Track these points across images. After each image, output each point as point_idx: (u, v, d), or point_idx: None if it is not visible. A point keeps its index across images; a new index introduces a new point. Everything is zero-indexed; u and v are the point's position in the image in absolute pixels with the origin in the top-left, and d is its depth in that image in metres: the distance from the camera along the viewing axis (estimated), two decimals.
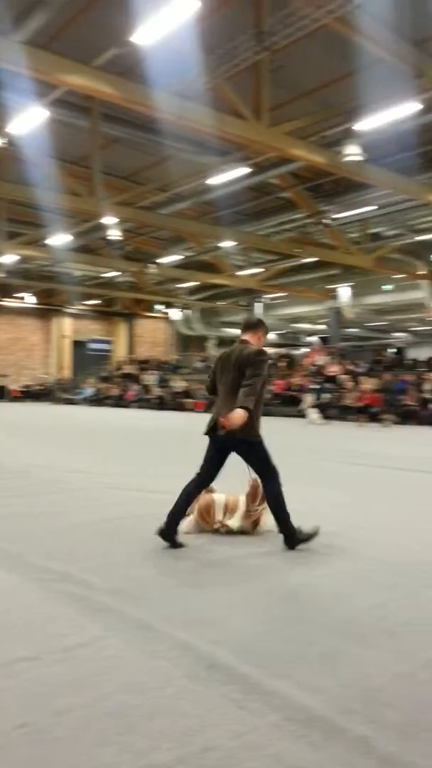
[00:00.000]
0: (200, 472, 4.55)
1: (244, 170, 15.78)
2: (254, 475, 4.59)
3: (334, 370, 22.95)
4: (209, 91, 12.57)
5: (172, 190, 19.37)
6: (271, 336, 37.15)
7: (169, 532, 4.38)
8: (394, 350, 28.35)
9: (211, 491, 4.84)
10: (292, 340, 37.95)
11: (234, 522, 4.80)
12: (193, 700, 2.34)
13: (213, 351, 37.81)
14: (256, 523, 4.84)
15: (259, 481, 4.60)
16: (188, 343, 40.62)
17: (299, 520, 4.45)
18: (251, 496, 4.75)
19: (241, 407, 4.14)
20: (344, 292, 28.14)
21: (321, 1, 10.42)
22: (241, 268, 27.06)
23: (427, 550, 4.47)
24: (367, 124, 12.71)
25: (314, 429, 17.38)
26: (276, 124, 13.06)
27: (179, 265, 26.98)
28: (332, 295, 29.05)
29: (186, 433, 15.80)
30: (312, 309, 32.87)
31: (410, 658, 2.73)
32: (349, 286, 27.91)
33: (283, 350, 31.13)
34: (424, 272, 26.01)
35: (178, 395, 28.02)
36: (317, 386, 21.06)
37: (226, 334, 38.30)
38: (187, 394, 27.78)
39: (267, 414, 19.37)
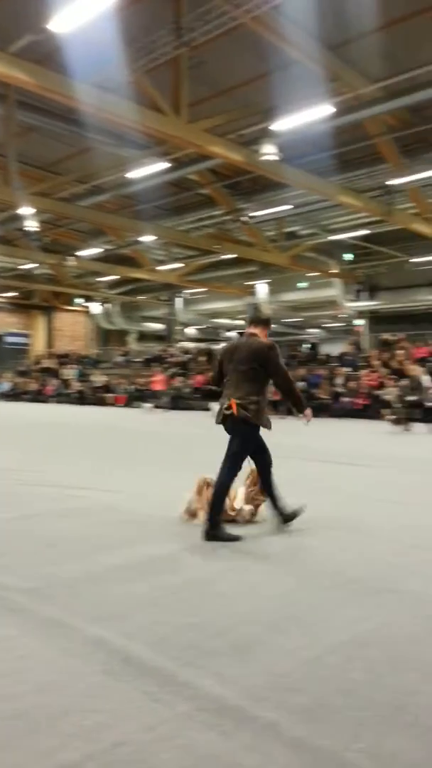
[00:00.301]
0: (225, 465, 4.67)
1: (164, 165, 15.73)
2: (254, 466, 4.85)
3: None
4: (129, 84, 12.46)
5: (92, 182, 19.06)
6: (191, 331, 37.30)
7: (215, 533, 4.46)
8: (309, 346, 29.11)
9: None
10: (212, 335, 38.22)
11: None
12: (105, 696, 2.35)
13: (134, 345, 37.55)
14: (255, 511, 5.08)
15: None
16: (109, 337, 40.11)
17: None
18: (256, 487, 5.04)
19: (302, 406, 4.81)
20: (261, 288, 28.62)
21: (239, 0, 10.53)
22: (161, 262, 26.99)
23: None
24: (283, 124, 12.96)
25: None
26: (195, 121, 13.08)
27: (99, 259, 26.59)
28: (250, 291, 29.48)
29: (107, 428, 15.65)
30: (231, 305, 33.22)
31: (318, 643, 2.83)
32: (266, 282, 28.41)
33: (203, 345, 31.30)
34: (337, 271, 26.86)
35: (98, 390, 27.67)
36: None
37: (146, 328, 38.10)
38: (107, 388, 27.48)
39: (187, 408, 19.60)
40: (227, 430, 4.71)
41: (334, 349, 27.26)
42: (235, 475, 4.64)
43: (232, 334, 35.49)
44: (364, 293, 27.80)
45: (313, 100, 12.87)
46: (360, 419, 18.82)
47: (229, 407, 4.56)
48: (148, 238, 22.55)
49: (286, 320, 34.54)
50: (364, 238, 23.88)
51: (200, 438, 12.52)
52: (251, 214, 19.60)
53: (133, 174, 16.10)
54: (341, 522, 5.23)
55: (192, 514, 5.04)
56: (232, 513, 4.98)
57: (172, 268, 27.04)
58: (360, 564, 4.02)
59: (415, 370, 17.35)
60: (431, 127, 16.18)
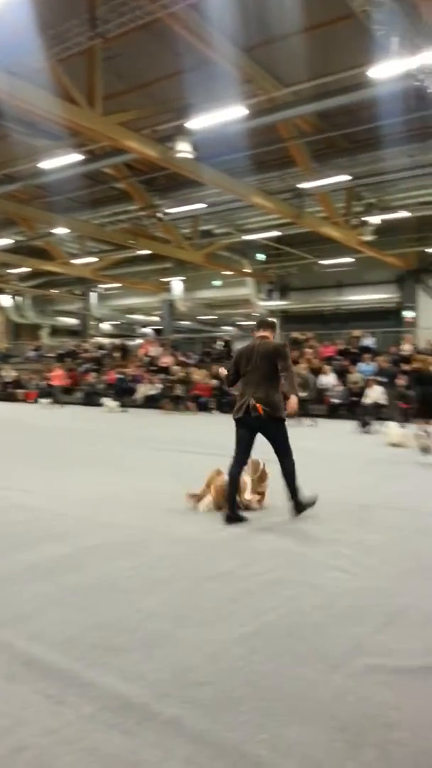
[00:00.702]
0: (235, 456, 5.18)
1: (78, 157, 15.41)
2: (254, 458, 5.36)
3: (166, 361, 23.31)
4: (42, 73, 12.12)
5: (3, 170, 18.41)
6: (106, 326, 36.81)
7: (233, 516, 5.03)
8: (222, 343, 29.47)
9: (223, 474, 5.35)
10: (126, 330, 37.86)
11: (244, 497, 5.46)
12: (7, 700, 2.29)
13: (47, 340, 36.60)
14: (261, 499, 5.57)
15: (262, 463, 5.53)
16: (20, 331, 38.85)
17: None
18: (259, 477, 5.59)
19: (292, 394, 5.15)
20: (177, 285, 28.64)
21: None
22: (75, 256, 26.44)
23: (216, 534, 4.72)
24: (198, 122, 13.00)
25: (116, 416, 17.98)
26: (109, 114, 12.91)
27: (10, 250, 25.70)
28: (165, 287, 29.44)
29: (21, 425, 15.15)
30: (146, 301, 33.06)
31: (224, 636, 2.88)
32: (181, 279, 28.46)
33: (117, 341, 30.94)
34: (250, 270, 27.31)
35: (8, 385, 26.78)
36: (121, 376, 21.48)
37: (60, 323, 37.23)
38: (18, 384, 26.64)
39: (99, 404, 19.21)
40: (246, 423, 5.16)
41: None
42: (292, 456, 5.18)
43: (148, 330, 35.32)
44: (275, 293, 28.40)
45: (228, 100, 12.99)
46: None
47: (256, 409, 5.04)
48: (61, 231, 22.04)
49: (201, 317, 34.77)
50: (276, 239, 24.38)
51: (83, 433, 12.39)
52: (167, 211, 19.56)
53: (46, 164, 15.67)
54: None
55: (198, 499, 5.48)
56: (246, 501, 5.48)
57: (86, 262, 26.55)
58: (265, 556, 4.10)
59: (304, 369, 18.12)
60: (340, 133, 16.72)
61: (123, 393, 21.29)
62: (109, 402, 19.83)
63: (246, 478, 5.47)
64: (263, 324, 5.52)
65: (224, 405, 20.30)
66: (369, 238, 20.50)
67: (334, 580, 3.66)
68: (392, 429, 11.67)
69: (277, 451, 5.19)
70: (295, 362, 20.85)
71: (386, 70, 10.48)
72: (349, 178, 16.40)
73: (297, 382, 5.37)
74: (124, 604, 3.26)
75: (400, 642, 2.86)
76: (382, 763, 1.99)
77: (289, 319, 28.75)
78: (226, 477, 5.30)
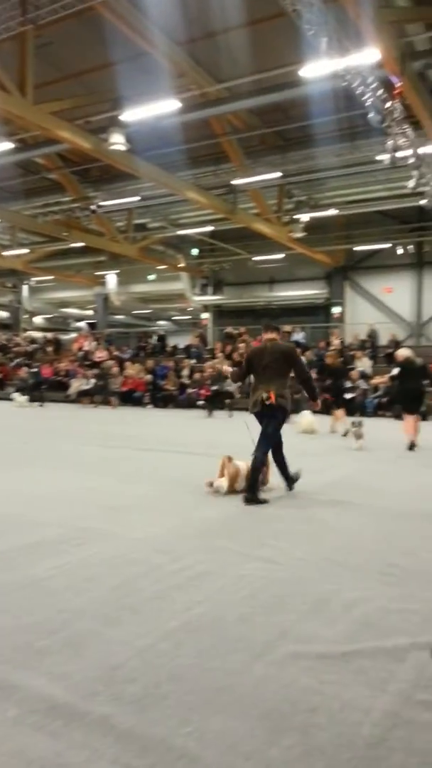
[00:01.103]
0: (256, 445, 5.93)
1: (8, 145, 15.00)
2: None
3: (101, 355, 23.05)
4: None
5: None
6: (39, 320, 36.02)
7: (253, 498, 5.62)
8: (156, 337, 29.41)
9: (234, 461, 6.12)
10: (61, 324, 37.18)
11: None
12: None
13: None
14: (264, 480, 6.18)
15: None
16: None
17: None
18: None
19: (315, 394, 6.30)
20: (111, 279, 28.32)
21: None
22: (6, 247, 25.72)
23: (166, 527, 4.75)
24: (132, 115, 12.90)
25: (27, 411, 17.98)
26: (41, 102, 12.65)
27: None
28: (100, 281, 29.06)
29: None
30: (80, 294, 32.54)
31: (152, 632, 2.90)
32: (115, 273, 28.17)
33: (50, 335, 30.33)
34: (184, 265, 27.32)
35: None
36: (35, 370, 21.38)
37: None
38: None
39: (36, 399, 18.76)
40: (262, 415, 5.89)
41: (182, 341, 27.72)
42: (268, 450, 5.90)
43: (82, 324, 34.76)
44: (209, 288, 28.54)
45: (161, 93, 12.96)
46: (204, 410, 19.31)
47: (269, 398, 5.72)
48: None
49: (136, 312, 34.52)
50: (210, 234, 24.48)
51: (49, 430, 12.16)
52: (100, 203, 19.31)
53: None
54: (163, 508, 5.35)
55: (210, 484, 6.11)
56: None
57: (17, 254, 25.88)
58: (192, 550, 4.15)
59: (216, 364, 18.51)
60: (272, 131, 16.95)
61: (36, 387, 20.74)
62: (18, 397, 19.47)
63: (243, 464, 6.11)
64: (269, 327, 6.20)
65: (158, 400, 20.29)
66: (299, 235, 20.88)
67: (260, 571, 3.75)
68: (305, 417, 12.54)
69: (263, 433, 5.88)
70: (228, 356, 21.12)
71: (316, 70, 10.70)
72: (280, 175, 16.63)
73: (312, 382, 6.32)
74: (52, 604, 3.23)
75: (323, 629, 2.97)
76: (303, 746, 2.07)
77: (222, 313, 28.95)
78: (237, 463, 6.08)
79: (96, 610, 3.16)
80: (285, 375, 5.93)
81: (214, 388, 17.53)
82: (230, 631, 2.92)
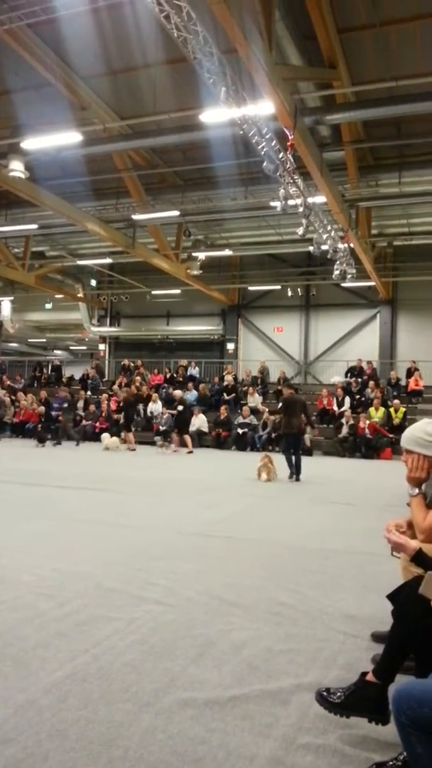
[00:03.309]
0: (286, 453, 11.07)
1: None
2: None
3: None
4: None
5: None
6: None
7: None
8: (51, 367, 28.75)
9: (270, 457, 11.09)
10: None
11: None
12: None
13: None
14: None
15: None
16: None
17: None
18: (270, 461, 10.95)
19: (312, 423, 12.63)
20: (5, 305, 27.45)
21: None
22: None
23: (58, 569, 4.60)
24: (33, 143, 12.74)
25: None
26: None
27: None
28: None
29: None
30: None
31: (34, 684, 2.76)
32: (9, 300, 27.36)
33: None
34: (82, 295, 27.06)
35: None
36: None
37: None
38: None
39: None
40: (292, 435, 11.06)
41: (78, 371, 27.26)
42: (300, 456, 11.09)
43: None
44: (107, 319, 28.38)
45: (63, 124, 12.94)
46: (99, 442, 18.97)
47: (299, 428, 11.18)
48: None
49: (32, 340, 33.62)
50: (109, 266, 24.44)
51: None
52: None
53: None
54: (50, 548, 5.20)
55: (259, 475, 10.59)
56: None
57: None
58: (78, 594, 4.04)
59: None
60: (172, 170, 17.34)
61: None
62: None
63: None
64: (289, 385, 11.83)
65: (51, 431, 19.70)
66: (196, 272, 21.32)
67: (150, 614, 3.70)
68: (106, 439, 16.90)
69: (295, 452, 10.96)
70: (127, 386, 20.97)
71: (215, 116, 11.10)
72: (178, 213, 16.97)
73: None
74: None
75: (211, 673, 2.96)
76: None
77: (119, 345, 28.82)
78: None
79: None
80: (300, 414, 11.13)
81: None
82: (116, 681, 2.84)
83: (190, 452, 16.09)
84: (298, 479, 10.76)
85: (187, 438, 16.59)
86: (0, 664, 2.96)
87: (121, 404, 18.01)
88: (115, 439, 16.91)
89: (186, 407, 17.05)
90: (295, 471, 10.82)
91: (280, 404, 11.77)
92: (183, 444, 16.56)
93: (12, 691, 2.70)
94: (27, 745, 2.30)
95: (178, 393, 17.82)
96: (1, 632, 3.35)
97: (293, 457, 10.87)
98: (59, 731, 2.40)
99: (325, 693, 2.51)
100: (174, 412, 17.23)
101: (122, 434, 17.36)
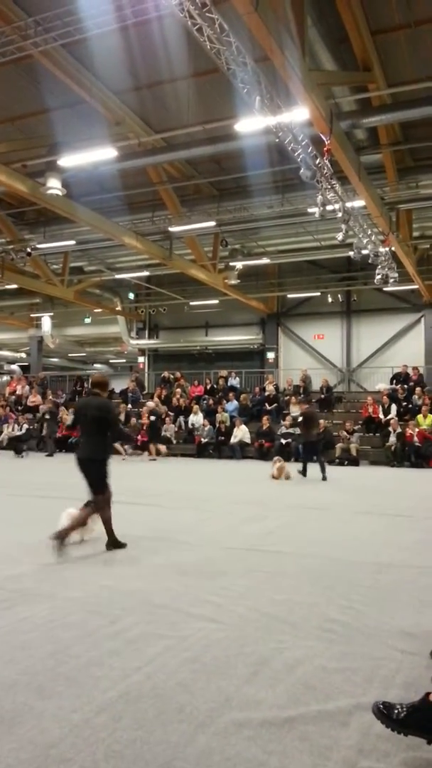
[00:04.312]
0: (304, 455, 12.84)
1: None
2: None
3: (34, 399, 22.52)
4: None
5: None
6: None
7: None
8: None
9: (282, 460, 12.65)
10: None
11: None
12: None
13: None
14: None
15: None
16: None
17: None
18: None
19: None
20: (46, 321, 27.96)
21: (26, 32, 10.42)
22: None
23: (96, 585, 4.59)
24: (70, 160, 12.95)
25: None
26: None
27: None
28: (34, 323, 28.64)
29: None
30: (13, 336, 31.92)
31: (87, 704, 2.75)
32: (50, 315, 27.86)
33: None
34: (120, 308, 27.34)
35: None
36: None
37: None
38: None
39: None
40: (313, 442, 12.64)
41: (118, 384, 27.50)
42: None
43: (14, 367, 34.01)
44: (145, 331, 28.59)
45: (99, 141, 13.11)
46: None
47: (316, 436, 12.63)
48: None
49: (72, 354, 34.11)
50: (146, 278, 24.64)
51: None
52: (36, 246, 19.16)
53: None
54: (99, 564, 5.19)
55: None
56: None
57: None
58: (129, 610, 4.01)
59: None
60: (208, 181, 17.39)
61: None
62: None
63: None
64: (308, 401, 12.26)
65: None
66: (234, 281, 21.30)
67: (201, 631, 3.65)
68: None
69: (317, 456, 12.34)
70: (167, 400, 21.07)
71: (250, 125, 11.08)
72: (214, 224, 17.01)
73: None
74: None
75: (265, 692, 2.89)
76: None
77: (158, 357, 28.98)
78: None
79: (29, 681, 2.97)
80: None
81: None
82: (170, 700, 2.80)
83: (154, 459, 17.14)
84: (324, 478, 12.14)
85: (160, 447, 17.63)
86: (54, 683, 2.96)
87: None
88: None
89: (158, 417, 18.20)
90: (322, 470, 12.31)
91: (300, 418, 13.53)
92: (158, 452, 17.54)
93: (66, 711, 2.69)
94: (84, 766, 2.28)
95: (150, 404, 18.74)
96: (54, 650, 3.35)
97: (316, 459, 12.62)
98: (115, 752, 2.37)
99: (383, 707, 2.42)
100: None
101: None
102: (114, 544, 5.79)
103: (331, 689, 2.94)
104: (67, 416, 20.77)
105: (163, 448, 17.33)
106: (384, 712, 2.41)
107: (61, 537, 5.33)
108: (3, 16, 11.21)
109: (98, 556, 5.61)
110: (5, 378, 30.23)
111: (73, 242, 19.14)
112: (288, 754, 2.38)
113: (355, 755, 2.38)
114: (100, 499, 5.68)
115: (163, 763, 2.31)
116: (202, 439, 17.92)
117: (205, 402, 20.99)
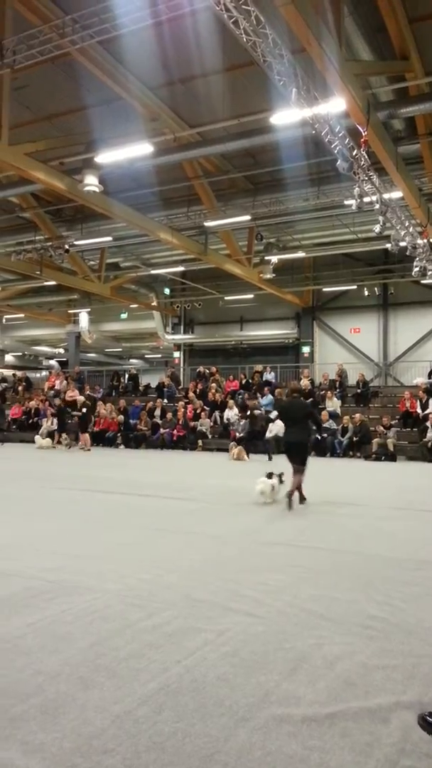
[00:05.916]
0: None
1: None
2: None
3: (72, 394, 22.80)
4: None
5: None
6: (9, 358, 35.69)
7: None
8: (128, 376, 29.39)
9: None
10: (32, 362, 36.87)
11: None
12: None
13: None
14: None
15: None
16: None
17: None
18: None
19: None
20: (83, 317, 28.31)
21: (63, 30, 10.49)
22: None
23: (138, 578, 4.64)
24: (106, 157, 13.05)
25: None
26: (16, 143, 12.74)
27: None
28: (72, 319, 29.02)
29: None
30: (51, 332, 32.41)
31: (129, 695, 2.78)
32: (87, 311, 28.19)
33: (20, 373, 30.01)
34: (156, 304, 27.49)
35: None
36: None
37: None
38: None
39: (6, 440, 18.60)
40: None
41: (154, 379, 27.70)
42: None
43: (53, 362, 34.54)
44: (181, 326, 28.70)
45: (135, 137, 13.17)
46: (177, 450, 19.21)
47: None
48: None
49: (108, 350, 34.46)
50: (181, 274, 24.71)
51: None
52: (74, 243, 19.40)
53: None
54: (134, 557, 5.24)
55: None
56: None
57: None
58: (166, 605, 4.04)
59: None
60: (243, 175, 17.31)
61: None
62: None
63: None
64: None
65: (130, 440, 20.08)
66: (269, 276, 21.19)
67: (239, 625, 3.66)
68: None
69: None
70: (200, 396, 21.13)
71: (286, 118, 10.99)
72: (249, 218, 16.94)
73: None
74: (25, 665, 3.09)
75: (305, 689, 2.89)
76: None
77: (194, 352, 29.06)
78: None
79: (71, 672, 3.03)
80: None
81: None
82: (210, 694, 2.82)
83: (88, 450, 18.37)
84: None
85: (85, 436, 18.86)
86: (95, 674, 3.00)
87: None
88: (48, 440, 19.47)
89: (89, 409, 19.39)
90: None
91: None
92: (84, 442, 18.70)
93: (108, 702, 2.73)
94: (126, 757, 2.31)
95: (81, 398, 19.78)
96: (94, 642, 3.40)
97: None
98: (156, 743, 2.40)
99: (429, 717, 2.41)
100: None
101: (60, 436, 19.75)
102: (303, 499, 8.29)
103: (372, 686, 2.92)
104: (104, 410, 21.01)
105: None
106: (429, 721, 2.41)
107: (289, 495, 7.83)
108: (41, 15, 11.35)
109: (134, 547, 5.66)
110: (44, 373, 30.67)
111: (109, 238, 19.31)
112: (329, 751, 2.38)
113: (396, 754, 2.36)
114: (304, 469, 8.16)
115: (205, 756, 2.33)
116: (237, 434, 17.92)
117: (240, 397, 20.98)
